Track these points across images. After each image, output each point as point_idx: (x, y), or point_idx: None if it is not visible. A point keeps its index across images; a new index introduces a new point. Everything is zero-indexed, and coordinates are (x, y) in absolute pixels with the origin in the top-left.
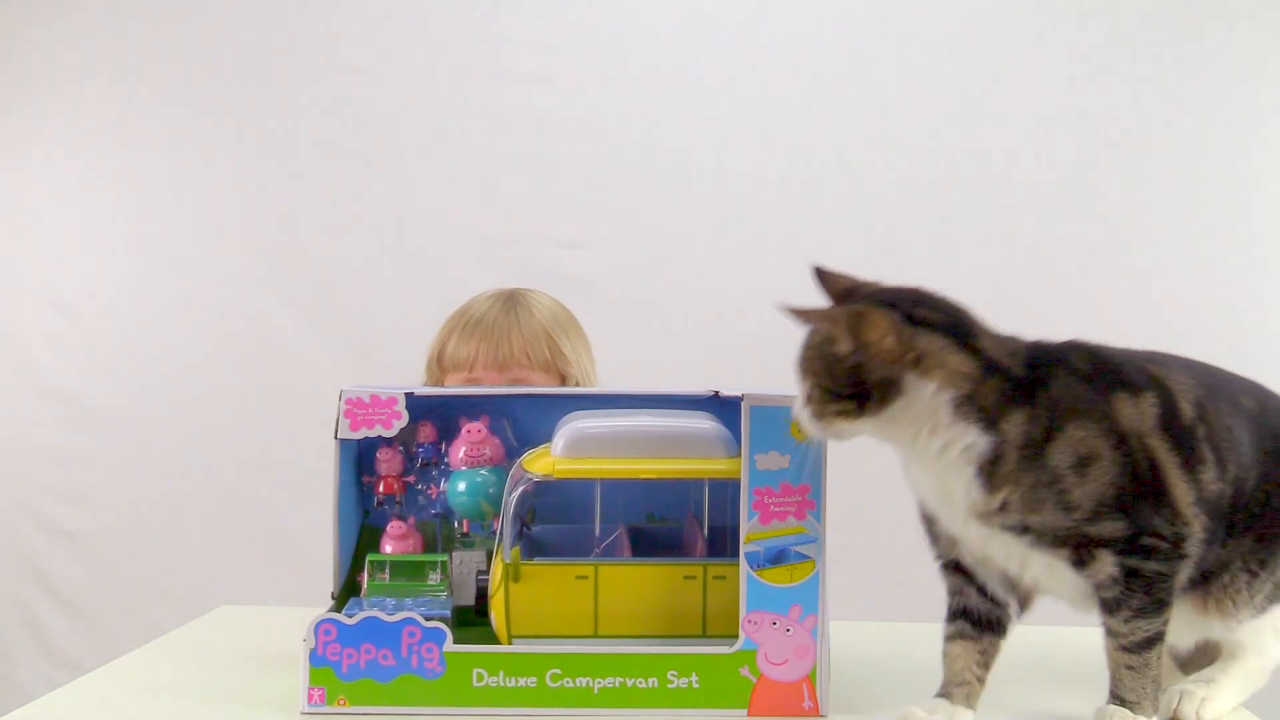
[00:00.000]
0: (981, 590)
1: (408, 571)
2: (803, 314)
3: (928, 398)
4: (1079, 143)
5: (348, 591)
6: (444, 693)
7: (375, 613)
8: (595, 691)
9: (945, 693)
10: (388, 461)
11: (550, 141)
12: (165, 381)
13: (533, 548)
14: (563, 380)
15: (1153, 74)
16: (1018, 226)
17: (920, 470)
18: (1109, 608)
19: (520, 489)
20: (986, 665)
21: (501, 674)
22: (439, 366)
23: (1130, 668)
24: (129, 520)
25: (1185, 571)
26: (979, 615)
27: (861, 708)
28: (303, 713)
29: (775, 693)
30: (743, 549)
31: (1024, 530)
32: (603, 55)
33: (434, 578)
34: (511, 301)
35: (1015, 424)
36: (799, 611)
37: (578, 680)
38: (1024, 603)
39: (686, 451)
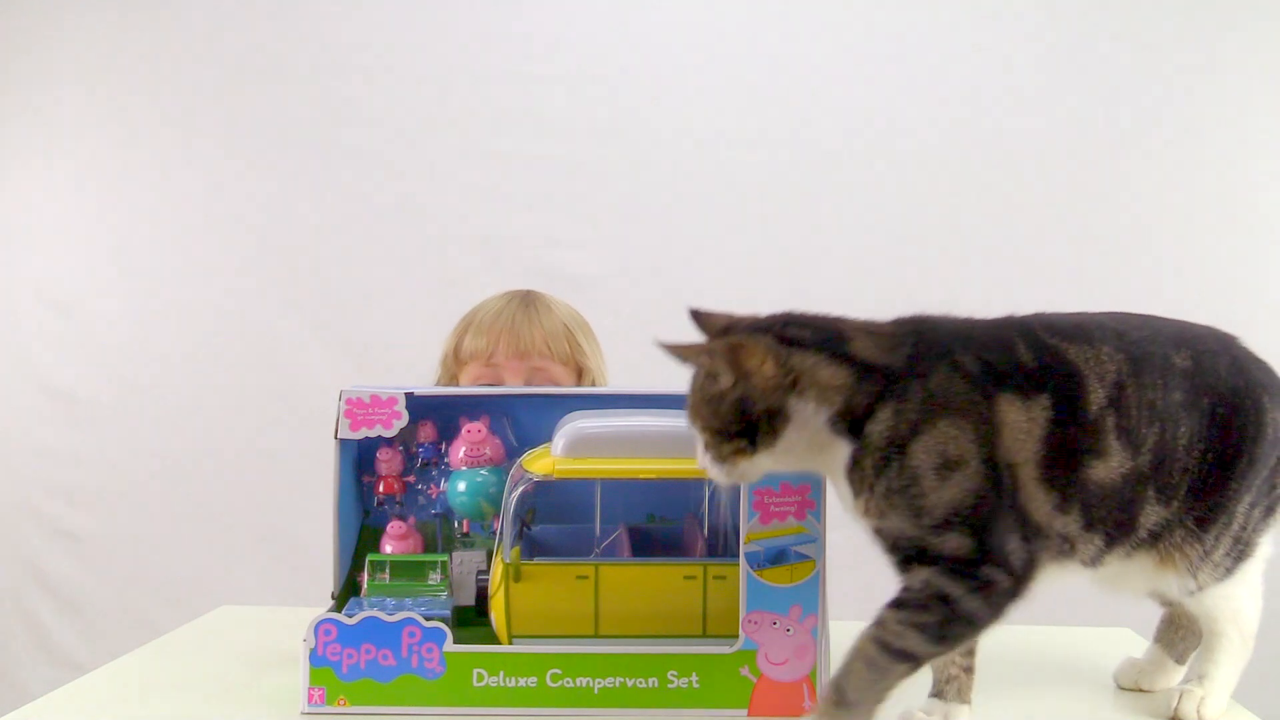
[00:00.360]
0: None
1: (408, 571)
2: (679, 350)
3: (810, 418)
4: (1079, 142)
5: (348, 591)
6: (444, 693)
7: (375, 613)
8: (595, 691)
9: (936, 691)
10: (388, 461)
11: (550, 141)
12: (165, 381)
13: (533, 548)
14: (580, 374)
15: (1155, 73)
16: (1018, 227)
17: (831, 484)
18: (895, 602)
19: (520, 489)
20: (969, 653)
21: (502, 674)
22: (455, 360)
23: (872, 664)
24: (129, 520)
25: (1077, 560)
26: None
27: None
28: (303, 713)
29: (775, 693)
30: (743, 549)
31: (876, 534)
32: (603, 55)
33: (434, 578)
34: (529, 298)
35: (881, 423)
36: (799, 611)
37: (578, 680)
38: None
39: (686, 451)
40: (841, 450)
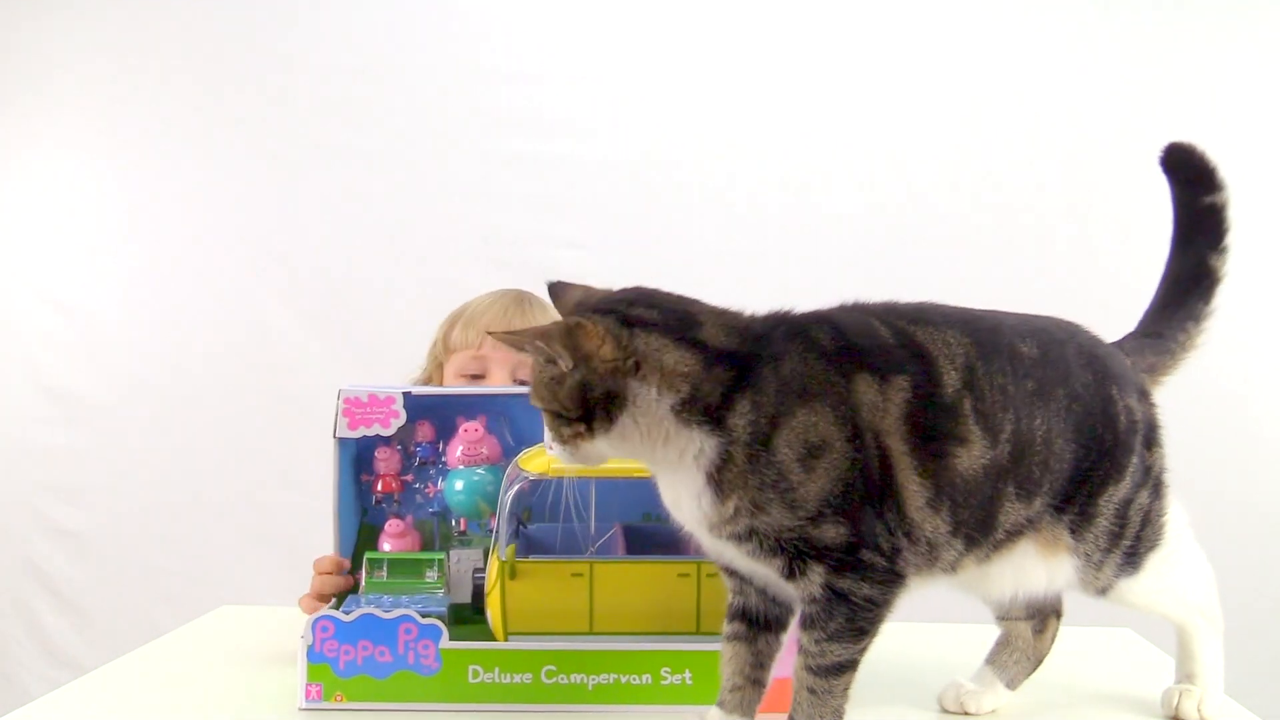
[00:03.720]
0: (763, 590)
1: (405, 569)
2: (516, 337)
3: (652, 404)
4: (1078, 142)
5: (347, 590)
6: (440, 689)
7: (372, 610)
8: (590, 688)
9: (720, 700)
10: (386, 460)
11: (550, 141)
12: (165, 381)
13: (529, 546)
14: None
15: (1157, 70)
16: (1017, 226)
17: (662, 481)
18: (805, 623)
19: (516, 487)
20: (764, 666)
21: (497, 670)
22: (444, 350)
23: (812, 691)
24: (129, 520)
25: (938, 566)
26: (757, 615)
27: (857, 705)
28: (300, 709)
29: (770, 689)
30: None
31: (749, 536)
32: (603, 56)
33: (431, 575)
34: (522, 296)
35: (741, 416)
36: None
37: (572, 677)
38: None
39: None
40: (693, 444)
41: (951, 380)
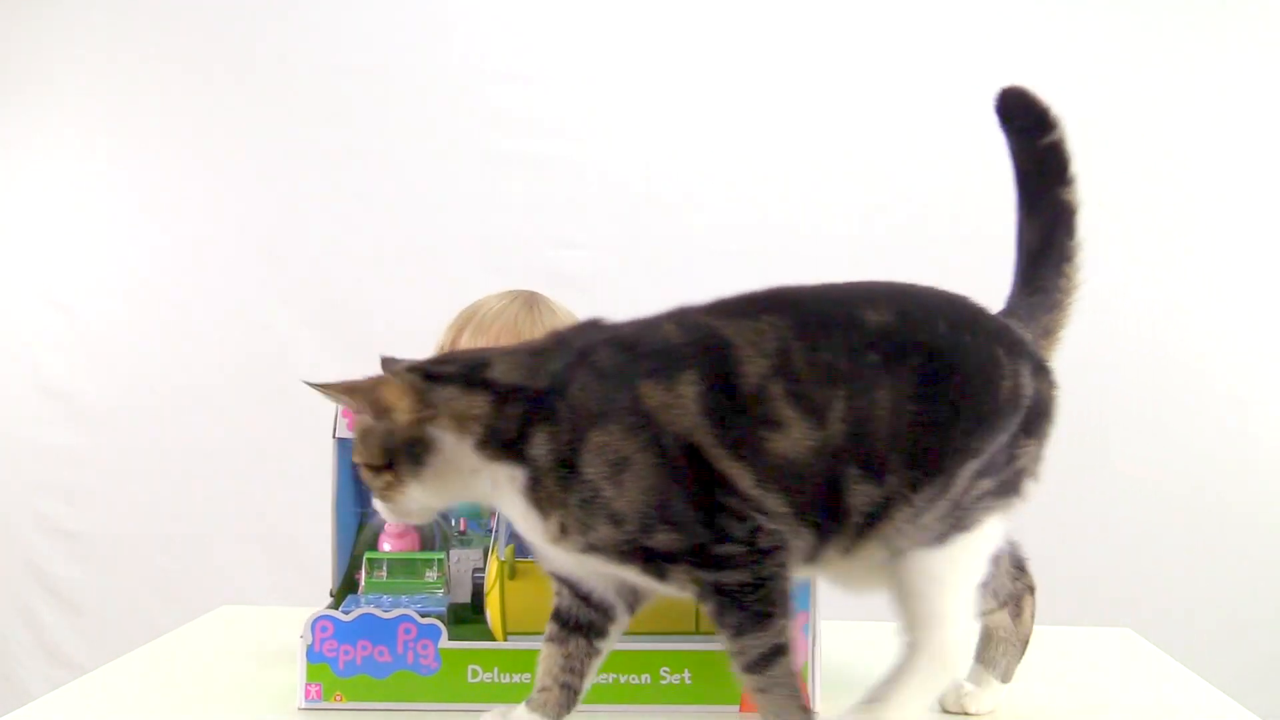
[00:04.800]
0: (575, 591)
1: (405, 569)
2: (326, 390)
3: (454, 446)
4: (1078, 141)
5: (346, 589)
6: (439, 688)
7: (371, 609)
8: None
9: (528, 697)
10: None
11: (550, 141)
12: (165, 381)
13: (528, 546)
14: None
15: (1157, 69)
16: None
17: (498, 506)
18: (714, 623)
19: None
20: (574, 670)
21: (496, 670)
22: None
23: (760, 690)
24: (129, 520)
25: (795, 557)
26: (568, 618)
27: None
28: (300, 709)
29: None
30: None
31: (590, 549)
32: (603, 56)
33: (431, 575)
34: (532, 299)
35: (539, 446)
36: None
37: None
38: (637, 604)
39: None
40: (503, 474)
41: (755, 368)
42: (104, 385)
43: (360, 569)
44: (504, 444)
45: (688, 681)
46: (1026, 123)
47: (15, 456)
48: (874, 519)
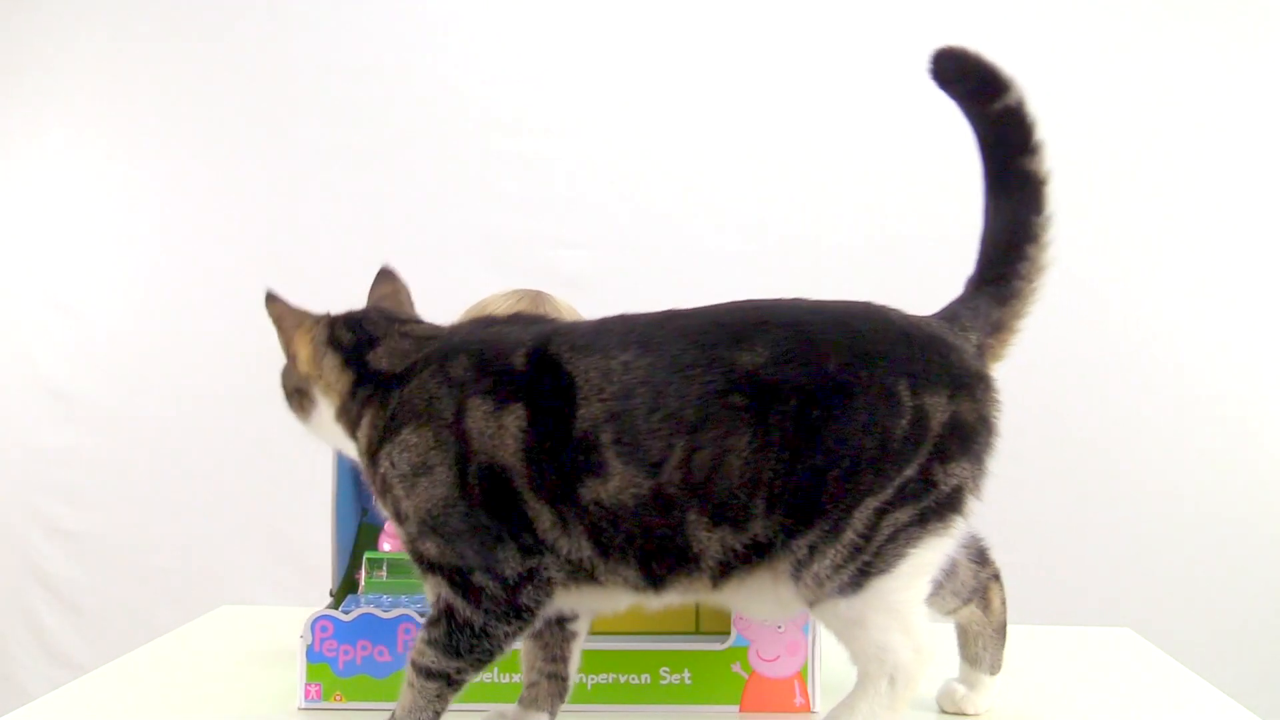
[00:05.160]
0: None
1: (405, 569)
2: (274, 305)
3: (325, 410)
4: (1077, 143)
5: (346, 589)
6: None
7: (371, 609)
8: (589, 688)
9: (520, 696)
10: None
11: (550, 141)
12: (165, 381)
13: None
14: None
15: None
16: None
17: None
18: (427, 620)
19: None
20: (556, 658)
21: (496, 670)
22: None
23: (409, 684)
24: (129, 520)
25: (521, 630)
26: None
27: None
28: (299, 708)
29: (767, 689)
30: None
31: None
32: (603, 56)
33: None
34: (540, 298)
35: (362, 430)
36: None
37: None
38: None
39: None
40: (350, 449)
41: (590, 413)
42: (104, 386)
43: (360, 568)
44: (351, 422)
45: (688, 681)
46: (972, 86)
47: (15, 456)
48: (744, 561)
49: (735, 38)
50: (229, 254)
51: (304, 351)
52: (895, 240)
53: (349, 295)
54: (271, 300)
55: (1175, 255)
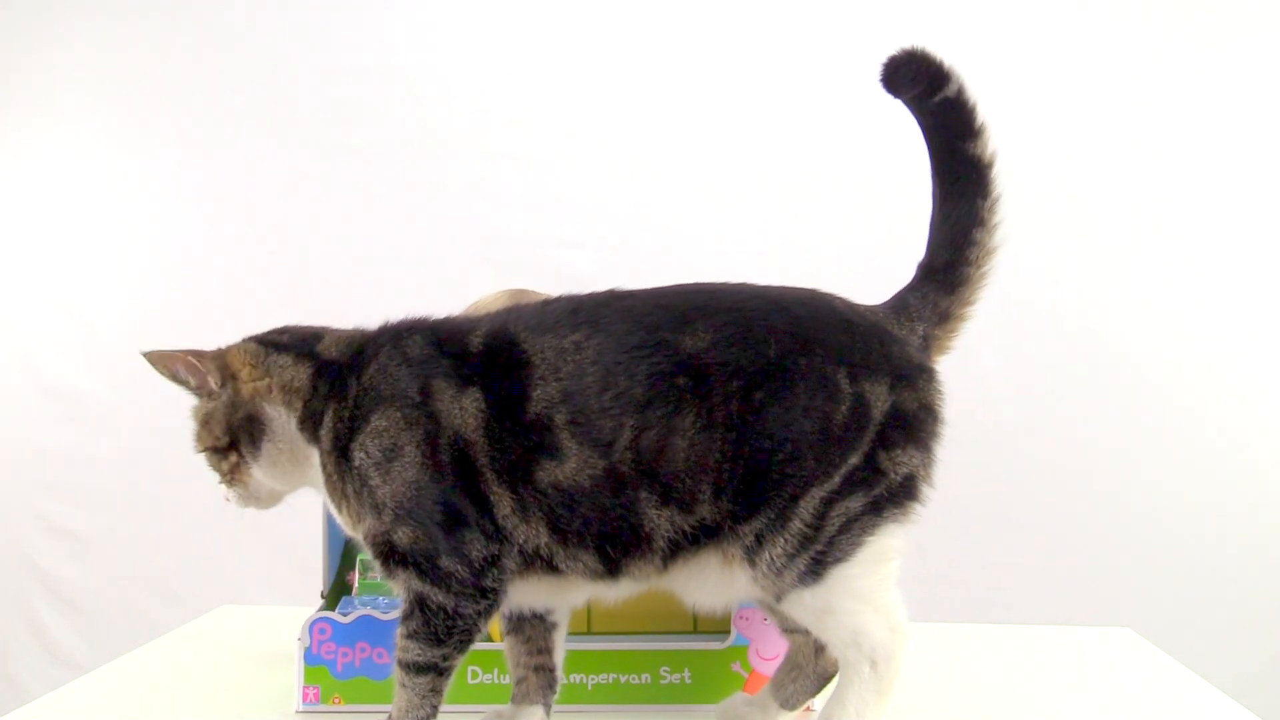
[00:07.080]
0: None
1: None
2: (162, 358)
3: (284, 424)
4: (1078, 142)
5: (338, 591)
6: None
7: (370, 611)
8: (589, 688)
9: (512, 694)
10: None
11: (550, 141)
12: (165, 381)
13: None
14: None
15: (1156, 68)
16: (1019, 225)
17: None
18: (401, 618)
19: None
20: (540, 650)
21: (496, 671)
22: None
23: (401, 685)
24: (129, 520)
25: (491, 609)
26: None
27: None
28: (298, 711)
29: (754, 684)
30: None
31: (364, 542)
32: (603, 56)
33: None
34: (524, 295)
35: (326, 425)
36: None
37: (572, 677)
38: None
39: None
40: (312, 457)
41: (544, 394)
42: (104, 386)
43: (352, 570)
44: (314, 423)
45: (688, 681)
46: (921, 90)
47: (15, 456)
48: (693, 543)
49: (735, 38)
50: (229, 254)
51: (243, 369)
52: (897, 241)
53: (349, 295)
54: (153, 353)
55: (1175, 252)
